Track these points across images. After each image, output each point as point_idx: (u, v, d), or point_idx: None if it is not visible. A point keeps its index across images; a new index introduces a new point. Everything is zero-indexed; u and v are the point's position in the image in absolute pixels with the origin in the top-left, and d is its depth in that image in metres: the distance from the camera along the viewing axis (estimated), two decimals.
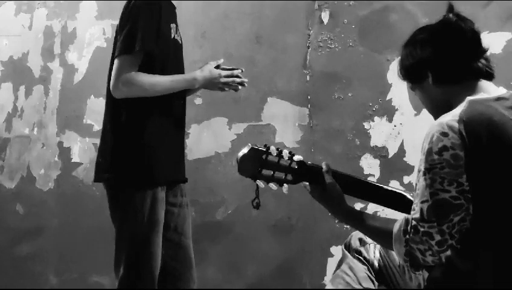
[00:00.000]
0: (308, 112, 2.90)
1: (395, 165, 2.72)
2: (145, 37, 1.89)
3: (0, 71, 3.62)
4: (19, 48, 3.58)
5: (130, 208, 1.93)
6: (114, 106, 1.99)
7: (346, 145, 2.81)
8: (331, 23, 2.90)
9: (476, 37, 1.41)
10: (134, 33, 1.89)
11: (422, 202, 1.28)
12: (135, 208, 1.92)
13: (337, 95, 2.85)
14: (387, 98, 2.76)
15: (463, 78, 1.40)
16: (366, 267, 1.66)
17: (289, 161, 1.49)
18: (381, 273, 1.66)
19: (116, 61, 1.92)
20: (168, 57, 2.03)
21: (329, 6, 2.91)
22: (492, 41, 2.49)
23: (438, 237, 1.25)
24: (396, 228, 1.34)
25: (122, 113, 1.96)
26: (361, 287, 1.62)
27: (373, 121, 2.78)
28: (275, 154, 1.47)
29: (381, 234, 1.41)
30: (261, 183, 1.47)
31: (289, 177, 1.49)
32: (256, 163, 1.45)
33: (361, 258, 1.67)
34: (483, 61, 1.41)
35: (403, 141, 2.73)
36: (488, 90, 1.38)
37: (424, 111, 1.57)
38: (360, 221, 1.48)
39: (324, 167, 1.52)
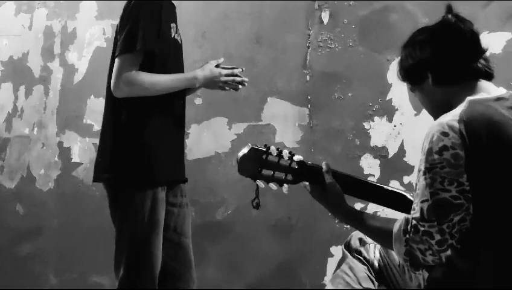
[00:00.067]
0: (308, 112, 2.90)
1: (395, 165, 2.72)
2: (146, 36, 1.89)
3: (0, 71, 3.62)
4: (19, 48, 3.58)
5: (130, 208, 1.93)
6: (114, 105, 1.99)
7: (346, 145, 2.82)
8: (331, 23, 2.90)
9: (475, 37, 1.41)
10: (135, 32, 1.89)
11: (422, 202, 1.28)
12: (135, 208, 1.92)
13: (337, 95, 2.85)
14: (387, 98, 2.76)
15: (462, 79, 1.40)
16: (366, 267, 1.66)
17: (289, 161, 1.49)
18: (381, 273, 1.66)
19: (117, 61, 1.92)
20: (168, 57, 2.03)
21: (329, 6, 2.91)
22: (492, 41, 2.49)
23: (438, 237, 1.25)
24: (396, 227, 1.34)
25: (122, 112, 1.96)
26: (361, 287, 1.63)
27: (373, 121, 2.78)
28: (275, 154, 1.47)
29: (381, 233, 1.41)
30: (261, 184, 1.47)
31: (289, 177, 1.49)
32: (256, 163, 1.45)
33: (361, 258, 1.67)
34: (482, 61, 1.42)
35: (403, 141, 2.73)
36: (488, 90, 1.39)
37: (424, 111, 1.57)
38: (360, 221, 1.48)
39: (324, 167, 1.52)
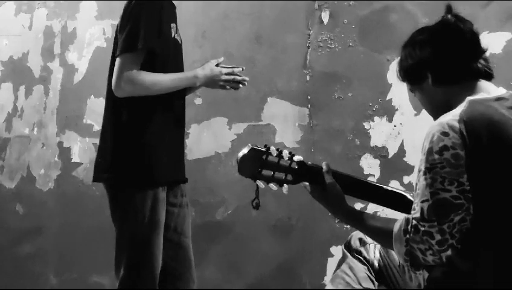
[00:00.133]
0: (308, 112, 2.90)
1: (395, 165, 2.72)
2: (147, 36, 1.89)
3: (0, 71, 3.62)
4: (19, 48, 3.59)
5: (130, 208, 1.93)
6: (114, 105, 1.99)
7: (346, 145, 2.81)
8: (331, 23, 2.90)
9: (474, 37, 1.41)
10: (136, 31, 1.89)
11: (422, 202, 1.28)
12: (135, 208, 1.92)
13: (337, 95, 2.85)
14: (387, 98, 2.76)
15: (462, 79, 1.40)
16: (366, 267, 1.66)
17: (289, 161, 1.49)
18: (381, 273, 1.66)
19: (118, 60, 1.91)
20: (168, 57, 2.03)
21: (329, 6, 2.91)
22: (492, 41, 2.49)
23: (438, 237, 1.25)
24: (396, 227, 1.34)
25: (123, 112, 1.96)
26: (361, 287, 1.63)
27: (373, 121, 2.78)
28: (275, 154, 1.47)
29: (381, 233, 1.41)
30: (261, 184, 1.47)
31: (289, 177, 1.49)
32: (256, 163, 1.45)
33: (361, 258, 1.67)
34: (482, 61, 1.42)
35: (403, 141, 2.73)
36: (488, 90, 1.39)
37: (424, 111, 1.57)
38: (360, 221, 1.48)
39: (324, 167, 1.52)
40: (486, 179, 1.25)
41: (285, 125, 2.93)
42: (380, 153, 2.76)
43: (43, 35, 3.53)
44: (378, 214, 2.48)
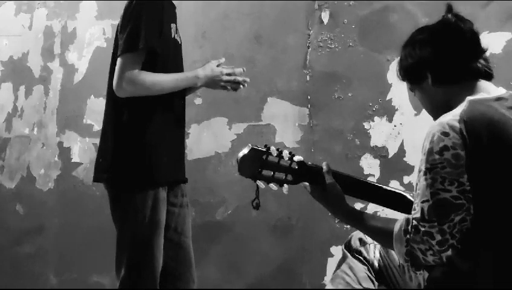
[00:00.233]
0: (308, 112, 2.90)
1: (395, 165, 2.72)
2: (149, 36, 1.89)
3: (0, 71, 3.62)
4: (19, 48, 3.59)
5: (131, 209, 1.93)
6: (115, 105, 1.98)
7: (346, 145, 2.81)
8: (331, 23, 2.90)
9: (475, 37, 1.41)
10: (137, 31, 1.89)
11: (423, 202, 1.28)
12: (136, 208, 1.92)
13: (337, 95, 2.85)
14: (387, 98, 2.76)
15: (462, 79, 1.40)
16: (366, 267, 1.66)
17: (289, 161, 1.49)
18: (381, 273, 1.66)
19: (119, 60, 1.91)
20: (168, 57, 2.02)
21: (329, 6, 2.91)
22: (492, 41, 2.49)
23: (438, 237, 1.25)
24: (397, 227, 1.34)
25: (123, 112, 1.96)
26: (361, 287, 1.63)
27: (373, 121, 2.78)
28: (275, 154, 1.47)
29: (381, 233, 1.41)
30: (261, 184, 1.47)
31: (289, 177, 1.49)
32: (257, 163, 1.45)
33: (361, 258, 1.67)
34: (482, 61, 1.42)
35: (403, 141, 2.73)
36: (488, 90, 1.39)
37: (424, 111, 1.57)
38: (360, 221, 1.48)
39: (324, 167, 1.52)
40: (486, 179, 1.25)
41: (285, 125, 2.93)
42: (380, 153, 2.76)
43: (43, 35, 3.53)
44: (378, 214, 2.48)
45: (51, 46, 3.50)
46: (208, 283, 2.90)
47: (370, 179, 2.67)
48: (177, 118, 2.08)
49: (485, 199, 1.25)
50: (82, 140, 3.35)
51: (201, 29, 3.13)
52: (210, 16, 3.13)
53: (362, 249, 1.68)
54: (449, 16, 1.42)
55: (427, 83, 1.44)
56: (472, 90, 1.38)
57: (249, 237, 2.94)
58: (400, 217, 1.37)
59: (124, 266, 1.93)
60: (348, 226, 2.61)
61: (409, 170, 2.68)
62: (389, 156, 2.74)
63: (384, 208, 1.68)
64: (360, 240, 1.70)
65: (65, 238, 3.33)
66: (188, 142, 3.02)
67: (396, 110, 2.75)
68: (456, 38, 1.40)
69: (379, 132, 2.76)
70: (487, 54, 1.44)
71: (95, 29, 3.39)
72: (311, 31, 2.94)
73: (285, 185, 1.50)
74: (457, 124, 1.27)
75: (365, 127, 2.79)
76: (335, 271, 1.70)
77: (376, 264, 1.66)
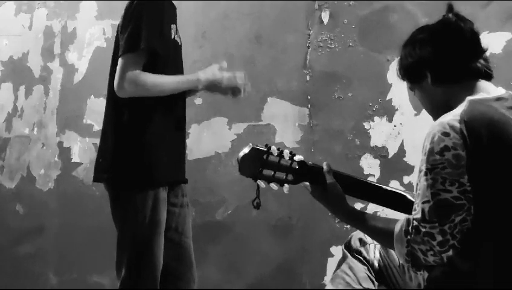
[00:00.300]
0: (308, 112, 2.90)
1: (395, 165, 2.72)
2: (150, 36, 1.88)
3: (0, 71, 3.62)
4: (19, 48, 3.59)
5: (131, 209, 1.93)
6: (115, 106, 1.98)
7: (346, 145, 2.81)
8: (331, 23, 2.90)
9: (475, 37, 1.41)
10: (138, 32, 1.88)
11: (423, 203, 1.28)
12: (136, 208, 1.92)
13: (337, 95, 2.85)
14: (387, 98, 2.76)
15: (462, 78, 1.40)
16: (366, 267, 1.66)
17: (290, 161, 1.48)
18: (381, 274, 1.66)
19: (120, 60, 1.90)
20: (168, 58, 2.02)
21: (329, 6, 2.91)
22: (492, 41, 2.49)
23: (439, 238, 1.25)
24: (397, 228, 1.34)
25: (124, 113, 1.95)
26: (361, 287, 1.63)
27: (373, 121, 2.78)
28: (276, 154, 1.47)
29: (382, 234, 1.41)
30: (261, 184, 1.47)
31: (290, 177, 1.49)
32: (257, 163, 1.45)
33: (361, 258, 1.67)
34: (482, 61, 1.42)
35: (403, 141, 2.73)
36: (488, 90, 1.38)
37: (424, 111, 1.57)
38: (361, 221, 1.48)
39: (325, 167, 1.52)
40: (487, 179, 1.25)
41: (285, 125, 2.93)
42: (380, 153, 2.76)
43: (43, 35, 3.53)
44: (378, 214, 2.48)
45: (51, 46, 3.50)
46: (208, 283, 2.90)
47: (370, 179, 2.67)
48: (178, 118, 2.08)
49: (485, 199, 1.25)
50: (82, 140, 3.35)
51: (201, 29, 3.13)
52: (210, 16, 3.13)
53: (362, 249, 1.68)
54: (449, 15, 1.42)
55: (427, 82, 1.44)
56: (472, 90, 1.38)
57: (249, 237, 2.94)
58: (400, 217, 1.37)
59: (125, 266, 1.92)
60: (348, 226, 2.61)
61: (409, 170, 2.68)
62: (389, 156, 2.74)
63: (384, 208, 1.68)
64: (360, 240, 1.70)
65: (65, 238, 3.33)
66: (188, 142, 3.02)
67: (396, 110, 2.75)
68: (456, 38, 1.40)
69: (379, 132, 2.76)
70: (487, 54, 1.44)
71: (95, 29, 3.39)
72: (311, 31, 2.94)
73: (286, 185, 1.50)
74: (457, 124, 1.27)
75: (365, 127, 2.79)
76: (335, 271, 1.70)
77: (376, 264, 1.66)
